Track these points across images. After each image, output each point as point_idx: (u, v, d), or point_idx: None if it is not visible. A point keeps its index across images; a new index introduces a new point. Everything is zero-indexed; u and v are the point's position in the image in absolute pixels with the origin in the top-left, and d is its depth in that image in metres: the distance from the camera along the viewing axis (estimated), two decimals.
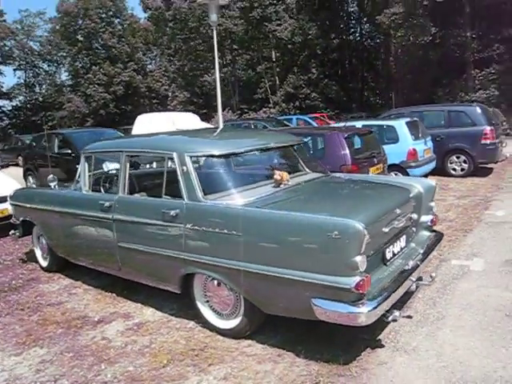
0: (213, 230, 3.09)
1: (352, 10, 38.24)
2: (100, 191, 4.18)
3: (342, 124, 7.99)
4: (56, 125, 38.31)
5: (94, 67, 37.65)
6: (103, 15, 38.76)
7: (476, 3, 21.84)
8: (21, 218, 5.16)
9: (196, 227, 3.19)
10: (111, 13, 39.25)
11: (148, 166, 5.01)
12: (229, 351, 3.13)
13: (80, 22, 38.81)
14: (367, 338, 3.18)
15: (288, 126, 16.48)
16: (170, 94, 39.98)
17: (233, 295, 3.22)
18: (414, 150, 8.29)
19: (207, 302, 3.41)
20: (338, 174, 4.35)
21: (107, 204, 3.82)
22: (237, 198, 3.23)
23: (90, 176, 4.25)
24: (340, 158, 6.04)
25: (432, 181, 4.00)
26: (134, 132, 11.75)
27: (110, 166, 4.31)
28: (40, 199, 4.79)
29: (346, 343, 3.12)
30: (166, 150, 3.55)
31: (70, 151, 9.09)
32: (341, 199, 3.53)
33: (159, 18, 32.44)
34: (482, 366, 2.78)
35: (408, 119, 8.83)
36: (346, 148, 6.12)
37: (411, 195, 3.64)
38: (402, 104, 28.34)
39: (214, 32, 9.49)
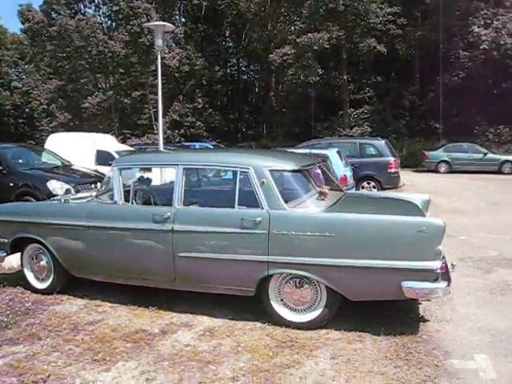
0: (303, 233, 3.51)
1: (230, 45, 40.65)
2: (141, 203, 4.19)
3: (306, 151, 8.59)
4: None
5: None
6: None
7: (352, 52, 25.33)
8: (12, 237, 4.71)
9: (283, 232, 3.56)
10: None
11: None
12: (315, 339, 3.53)
13: None
14: (413, 316, 3.96)
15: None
16: (42, 114, 36.88)
17: (313, 290, 3.63)
18: (345, 175, 9.47)
19: (282, 300, 3.74)
20: (350, 191, 5.06)
21: (165, 215, 3.88)
22: (310, 206, 3.71)
23: (129, 188, 4.22)
24: None
25: (426, 195, 4.94)
26: None
27: (151, 178, 4.33)
28: (54, 214, 4.50)
29: (401, 322, 3.80)
30: (239, 164, 3.84)
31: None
32: (393, 207, 4.24)
33: (39, 32, 30.15)
34: (503, 324, 3.77)
35: (337, 149, 10.06)
36: None
37: (420, 207, 4.53)
38: (284, 137, 31.01)
39: (159, 57, 9.61)
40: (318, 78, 23.78)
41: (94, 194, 4.77)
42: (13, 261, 5.72)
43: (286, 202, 3.67)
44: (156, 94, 34.62)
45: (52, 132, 34.56)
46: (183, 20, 37.95)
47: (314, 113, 29.34)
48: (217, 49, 37.65)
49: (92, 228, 4.22)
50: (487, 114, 22.55)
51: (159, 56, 9.56)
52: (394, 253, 3.37)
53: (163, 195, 4.22)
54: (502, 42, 19.79)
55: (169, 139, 32.62)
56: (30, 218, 4.59)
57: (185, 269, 3.91)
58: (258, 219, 3.60)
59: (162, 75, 31.72)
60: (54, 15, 31.19)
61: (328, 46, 22.74)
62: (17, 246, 4.79)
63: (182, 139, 33.03)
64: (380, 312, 3.93)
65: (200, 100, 34.95)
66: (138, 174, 4.41)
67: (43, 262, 4.71)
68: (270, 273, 3.65)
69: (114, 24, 33.39)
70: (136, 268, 4.13)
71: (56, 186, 8.01)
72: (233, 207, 3.77)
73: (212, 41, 36.74)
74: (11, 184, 8.18)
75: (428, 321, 3.89)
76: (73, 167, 9.67)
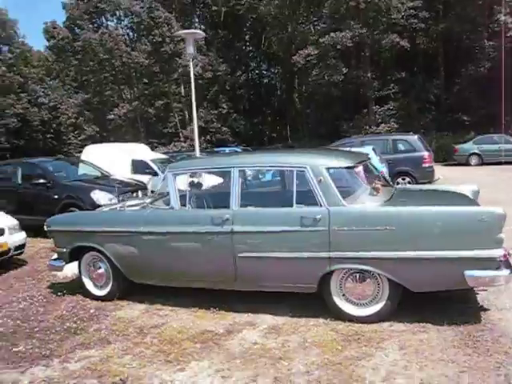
0: (363, 228, 3.55)
1: (250, 49, 40.86)
2: (196, 207, 4.29)
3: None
4: None
5: None
6: None
7: (375, 48, 25.15)
8: (71, 246, 4.89)
9: (344, 228, 3.60)
10: None
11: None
12: (380, 332, 3.57)
13: None
14: (472, 306, 3.95)
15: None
16: (69, 128, 37.84)
17: (375, 284, 3.66)
18: (382, 172, 9.44)
19: (343, 295, 3.78)
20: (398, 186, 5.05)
21: (224, 218, 3.97)
22: (367, 201, 3.75)
23: (184, 193, 4.33)
24: None
25: (475, 186, 4.89)
26: None
27: (206, 182, 4.44)
28: (111, 222, 4.64)
29: (461, 312, 3.80)
30: (295, 163, 3.90)
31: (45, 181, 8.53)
32: (446, 198, 4.24)
33: (64, 47, 31.04)
34: None
35: (372, 146, 10.02)
36: None
37: (472, 197, 4.51)
38: (310, 137, 30.97)
39: (191, 64, 9.81)
40: (342, 77, 23.61)
41: (148, 200, 4.91)
42: (67, 270, 5.96)
43: (343, 198, 3.71)
44: (180, 101, 35.09)
45: (80, 145, 35.60)
46: (203, 27, 38.40)
47: (339, 112, 29.21)
48: (238, 54, 37.94)
49: (150, 234, 4.34)
50: None
51: (191, 63, 9.80)
52: (456, 243, 3.38)
53: (218, 198, 4.33)
54: None
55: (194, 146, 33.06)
56: (89, 227, 4.74)
57: (246, 269, 3.98)
58: (318, 216, 3.66)
59: (185, 83, 32.05)
60: (77, 30, 32.06)
61: (351, 45, 22.63)
62: (74, 255, 4.96)
63: (209, 145, 33.42)
64: (439, 303, 3.95)
65: (224, 105, 35.29)
66: (192, 179, 4.50)
67: (102, 270, 4.85)
68: (332, 268, 3.70)
69: (135, 35, 34.17)
70: (196, 270, 4.23)
71: (100, 195, 8.24)
72: (291, 206, 3.83)
73: (232, 46, 37.07)
74: (56, 196, 8.40)
75: (488, 310, 3.87)
76: (112, 177, 9.91)
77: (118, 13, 32.30)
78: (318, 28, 24.63)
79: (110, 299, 4.80)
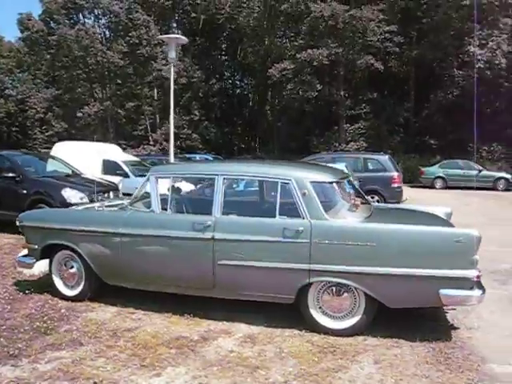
0: (345, 242, 3.64)
1: (225, 58, 41.06)
2: (178, 211, 4.28)
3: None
4: None
5: None
6: None
7: (350, 68, 25.85)
8: (43, 243, 4.75)
9: (325, 241, 3.68)
10: None
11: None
12: (354, 345, 3.65)
13: None
14: (443, 324, 4.13)
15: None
16: (36, 123, 36.68)
17: (351, 298, 3.75)
18: None
19: (320, 308, 3.85)
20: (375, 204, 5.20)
21: (206, 224, 3.98)
22: (348, 217, 3.85)
23: (165, 197, 4.32)
24: None
25: (448, 208, 5.11)
26: None
27: (186, 188, 4.43)
28: (89, 221, 4.56)
29: (432, 329, 3.94)
30: (280, 175, 3.97)
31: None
32: (423, 218, 4.39)
33: (37, 41, 30.22)
34: None
35: (344, 163, 10.25)
36: None
37: (444, 218, 4.70)
38: (279, 151, 31.30)
39: (172, 69, 9.80)
40: (316, 94, 24.11)
41: (127, 202, 4.85)
42: (34, 268, 5.77)
43: (325, 212, 3.80)
44: (151, 105, 34.62)
45: (46, 141, 34.57)
46: (180, 32, 38.35)
47: (310, 127, 29.75)
48: (213, 62, 38.05)
49: (129, 236, 4.30)
50: (481, 132, 23.00)
51: (172, 68, 9.76)
52: (433, 261, 3.52)
53: (198, 204, 4.33)
54: (497, 62, 20.40)
55: (164, 151, 32.77)
56: (65, 225, 4.63)
57: (225, 276, 3.99)
58: (301, 229, 3.73)
59: (158, 87, 31.74)
60: (52, 24, 31.33)
61: (327, 62, 23.17)
62: (46, 252, 4.82)
63: (178, 151, 33.20)
64: (411, 319, 4.08)
65: (196, 112, 35.29)
66: (174, 183, 4.48)
67: (74, 269, 4.72)
68: (311, 281, 3.76)
69: (112, 35, 33.70)
70: (175, 275, 4.20)
71: (71, 194, 8.04)
72: (274, 216, 3.89)
73: (209, 54, 37.16)
74: (24, 191, 8.13)
75: (458, 328, 4.04)
76: (83, 175, 9.69)
77: (96, 11, 31.81)
78: (296, 44, 25.01)
79: (80, 300, 4.67)
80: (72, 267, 4.73)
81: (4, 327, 4.05)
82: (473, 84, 22.21)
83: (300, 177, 3.88)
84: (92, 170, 10.73)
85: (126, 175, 11.53)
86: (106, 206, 4.82)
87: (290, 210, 3.86)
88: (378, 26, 22.88)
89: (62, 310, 4.44)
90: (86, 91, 33.11)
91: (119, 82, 32.40)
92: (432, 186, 19.77)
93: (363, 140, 26.57)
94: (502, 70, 21.47)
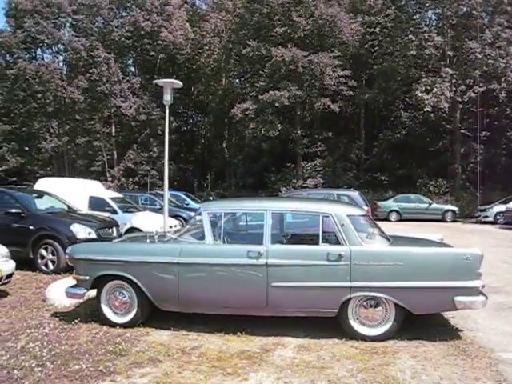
0: (378, 263, 4.53)
1: (181, 96, 41.98)
2: (229, 243, 4.98)
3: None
4: None
5: None
6: None
7: (308, 109, 27.67)
8: (95, 274, 5.20)
9: (363, 263, 4.55)
10: None
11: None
12: (389, 347, 4.48)
13: None
14: (449, 327, 5.08)
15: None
16: None
17: (383, 308, 4.60)
18: None
19: (357, 318, 4.67)
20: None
21: (259, 252, 4.70)
22: (376, 242, 4.77)
23: (218, 229, 5.01)
24: None
25: (439, 235, 6.18)
26: None
27: (239, 222, 5.15)
28: (147, 252, 5.08)
29: (442, 332, 4.83)
30: (321, 210, 4.83)
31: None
32: (431, 243, 5.40)
33: None
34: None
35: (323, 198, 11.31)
36: None
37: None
38: (237, 187, 32.25)
39: (167, 111, 10.42)
40: (277, 133, 25.56)
41: (174, 234, 5.47)
42: (64, 300, 6.11)
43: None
44: (109, 141, 34.45)
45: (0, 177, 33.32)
46: (137, 71, 38.95)
47: (267, 164, 30.98)
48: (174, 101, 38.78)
49: (187, 265, 4.88)
50: (427, 168, 25.42)
51: (167, 110, 10.37)
52: (448, 275, 4.49)
53: (248, 236, 5.05)
54: (441, 107, 22.90)
55: (122, 187, 32.72)
56: (121, 257, 5.13)
57: (277, 296, 4.70)
58: (342, 253, 4.57)
59: (116, 123, 31.88)
60: (8, 58, 31.01)
61: (288, 104, 24.78)
62: (95, 283, 5.26)
63: (136, 187, 33.29)
64: (425, 326, 4.93)
65: (155, 149, 35.59)
66: (222, 217, 5.16)
67: (125, 298, 5.18)
68: (352, 296, 4.58)
69: (70, 70, 33.79)
70: (230, 298, 4.84)
71: (79, 229, 8.39)
72: (317, 244, 4.71)
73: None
74: (30, 227, 8.34)
75: (462, 330, 5.00)
76: (82, 212, 9.99)
77: (56, 47, 31.97)
78: (257, 85, 26.54)
79: (130, 326, 5.10)
80: (124, 296, 5.20)
81: (76, 352, 4.37)
82: (418, 125, 24.65)
83: (338, 211, 4.76)
84: (78, 207, 10.99)
85: (114, 211, 11.86)
86: (158, 239, 5.38)
87: (331, 238, 4.71)
88: (334, 71, 24.94)
89: (124, 336, 4.84)
90: (42, 126, 32.64)
91: (78, 117, 32.30)
92: (387, 219, 21.37)
93: (320, 176, 28.01)
94: (445, 113, 24.11)
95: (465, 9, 24.17)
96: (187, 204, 20.07)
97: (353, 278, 4.55)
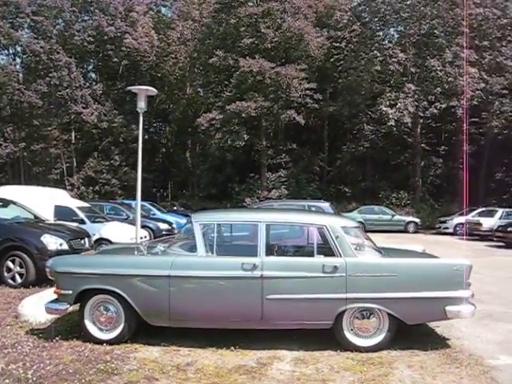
0: (373, 274, 4.60)
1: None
2: (222, 255, 4.90)
3: None
4: None
5: None
6: None
7: (274, 121, 27.95)
8: (79, 289, 4.96)
9: (357, 274, 4.59)
10: None
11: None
12: (384, 357, 4.52)
13: None
14: (436, 337, 5.20)
15: None
16: None
17: (377, 319, 4.66)
18: None
19: (351, 330, 4.70)
20: None
21: (254, 264, 4.64)
22: (368, 254, 4.85)
23: (210, 241, 4.92)
24: None
25: (421, 246, 6.36)
26: None
27: (231, 233, 5.08)
28: (136, 265, 4.91)
29: (431, 342, 4.93)
30: (315, 222, 4.85)
31: None
32: (419, 254, 5.52)
33: None
34: (498, 337, 5.23)
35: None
36: None
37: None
38: (201, 198, 31.94)
39: (141, 118, 10.18)
40: (243, 143, 25.63)
41: (163, 246, 5.32)
42: (40, 316, 5.79)
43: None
44: (68, 149, 33.36)
45: None
46: (99, 78, 38.02)
47: (232, 174, 30.94)
48: (134, 108, 37.99)
49: (179, 278, 4.73)
50: (389, 180, 26.23)
51: (141, 117, 10.14)
52: (440, 285, 4.62)
53: (241, 247, 4.99)
54: (405, 121, 23.80)
55: (82, 195, 31.63)
56: (108, 270, 4.89)
57: (272, 309, 4.65)
58: (337, 265, 4.60)
59: (76, 130, 30.97)
60: None
61: (255, 114, 24.94)
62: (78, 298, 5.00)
63: (96, 196, 32.34)
64: (414, 336, 5.01)
65: (116, 158, 34.74)
66: (215, 229, 5.07)
67: (111, 313, 4.94)
68: (347, 307, 4.60)
69: (28, 74, 32.53)
70: (224, 311, 4.74)
71: (50, 240, 8.01)
72: (312, 256, 4.72)
73: (130, 100, 37.24)
74: None
75: (449, 339, 5.14)
76: (50, 221, 9.56)
77: (13, 48, 30.75)
78: (224, 95, 26.59)
79: (117, 342, 4.87)
80: (109, 310, 4.97)
81: (64, 372, 4.10)
82: (380, 138, 25.43)
83: (332, 223, 4.80)
84: (44, 217, 10.51)
85: (81, 221, 11.43)
86: (147, 251, 5.22)
87: (325, 250, 4.73)
88: (300, 83, 25.38)
89: (109, 353, 4.59)
90: None
91: (36, 123, 31.07)
92: None
93: (284, 187, 28.22)
94: (408, 128, 25.06)
95: (426, 27, 25.33)
96: (153, 214, 19.65)
97: (348, 289, 4.58)
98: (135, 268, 4.89)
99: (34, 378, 3.95)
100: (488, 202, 23.59)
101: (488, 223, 17.47)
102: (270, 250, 4.90)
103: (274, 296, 4.62)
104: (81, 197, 30.76)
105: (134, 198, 30.97)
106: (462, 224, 19.21)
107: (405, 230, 21.38)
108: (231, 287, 4.71)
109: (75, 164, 34.31)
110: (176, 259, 4.88)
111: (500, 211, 18.70)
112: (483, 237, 17.01)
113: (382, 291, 4.58)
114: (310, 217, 5.07)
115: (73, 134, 34.40)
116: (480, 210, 19.73)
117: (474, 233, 18.03)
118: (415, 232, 21.52)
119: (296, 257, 4.84)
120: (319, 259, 4.70)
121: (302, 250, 4.97)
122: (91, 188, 33.57)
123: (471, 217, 19.34)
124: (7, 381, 3.88)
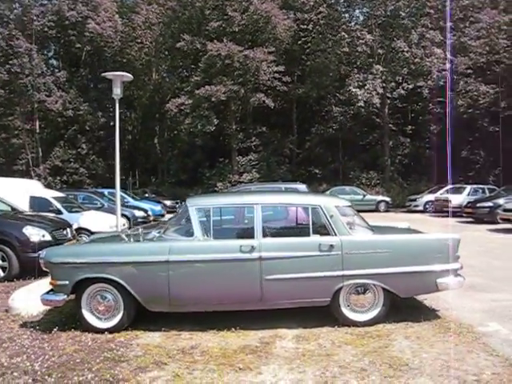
0: (367, 251, 4.79)
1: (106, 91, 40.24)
2: (219, 238, 4.95)
3: None
4: None
5: None
6: None
7: (243, 104, 27.82)
8: (76, 278, 4.92)
9: (353, 251, 4.77)
10: None
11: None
12: (381, 330, 4.74)
13: None
14: (427, 309, 5.45)
15: None
16: None
17: (372, 294, 4.86)
18: None
19: (348, 306, 4.89)
20: None
21: (252, 246, 4.73)
22: (361, 232, 5.04)
23: (206, 225, 4.97)
24: None
25: (406, 223, 6.61)
26: None
27: (227, 216, 5.13)
28: (133, 252, 4.90)
29: (423, 313, 5.19)
30: (310, 202, 4.97)
31: None
32: (409, 230, 5.75)
33: None
34: (485, 306, 5.55)
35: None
36: None
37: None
38: (171, 184, 31.62)
39: (117, 105, 9.96)
40: (214, 128, 25.47)
41: (158, 231, 5.31)
42: (31, 309, 5.72)
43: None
44: (32, 138, 32.24)
45: None
46: (61, 64, 36.64)
47: (201, 159, 30.76)
48: (99, 95, 37.10)
49: (178, 262, 4.77)
50: (359, 161, 26.75)
51: (117, 104, 9.93)
52: (431, 259, 4.85)
53: (237, 230, 5.06)
54: (374, 102, 24.22)
55: (50, 186, 30.70)
56: (104, 258, 4.86)
57: (271, 289, 4.77)
58: (334, 243, 4.75)
59: (40, 119, 29.98)
60: None
61: (224, 98, 24.77)
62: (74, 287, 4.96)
63: (64, 186, 31.50)
64: (405, 310, 5.26)
65: (83, 146, 33.88)
66: (211, 213, 5.09)
67: (109, 301, 4.94)
68: (344, 284, 4.78)
69: None
70: (224, 293, 4.83)
71: (32, 232, 7.85)
72: (308, 235, 4.85)
73: (95, 87, 36.21)
74: None
75: (438, 310, 5.42)
76: (30, 213, 9.32)
77: None
78: (192, 80, 26.21)
79: (117, 331, 4.89)
80: (107, 299, 4.96)
81: (71, 362, 4.10)
82: (349, 120, 25.79)
83: (327, 202, 4.93)
84: (21, 208, 10.25)
85: (58, 212, 11.18)
86: (143, 237, 5.20)
87: (321, 230, 4.87)
88: (269, 67, 25.34)
89: (111, 341, 4.61)
90: None
91: None
92: None
93: (255, 171, 28.33)
94: (376, 108, 25.52)
95: (391, 7, 25.67)
96: (127, 202, 19.35)
97: (344, 266, 4.75)
98: (133, 255, 4.89)
99: (43, 370, 3.94)
100: (454, 179, 24.48)
101: (457, 200, 18.11)
102: (266, 232, 4.99)
103: (272, 276, 4.73)
104: (48, 187, 29.90)
105: (104, 187, 30.51)
106: (432, 201, 19.90)
107: (376, 209, 21.94)
108: (230, 269, 4.78)
109: (41, 154, 33.24)
110: (173, 244, 4.90)
111: (468, 188, 19.39)
112: (453, 213, 17.68)
113: (376, 267, 4.77)
114: (304, 197, 5.18)
115: (37, 123, 33.18)
116: (448, 187, 20.33)
117: (443, 210, 18.69)
118: (386, 211, 22.14)
119: (292, 237, 4.94)
120: (315, 238, 4.83)
121: (298, 231, 5.09)
122: (59, 178, 32.71)
123: (440, 194, 20.02)
124: (15, 373, 3.84)
